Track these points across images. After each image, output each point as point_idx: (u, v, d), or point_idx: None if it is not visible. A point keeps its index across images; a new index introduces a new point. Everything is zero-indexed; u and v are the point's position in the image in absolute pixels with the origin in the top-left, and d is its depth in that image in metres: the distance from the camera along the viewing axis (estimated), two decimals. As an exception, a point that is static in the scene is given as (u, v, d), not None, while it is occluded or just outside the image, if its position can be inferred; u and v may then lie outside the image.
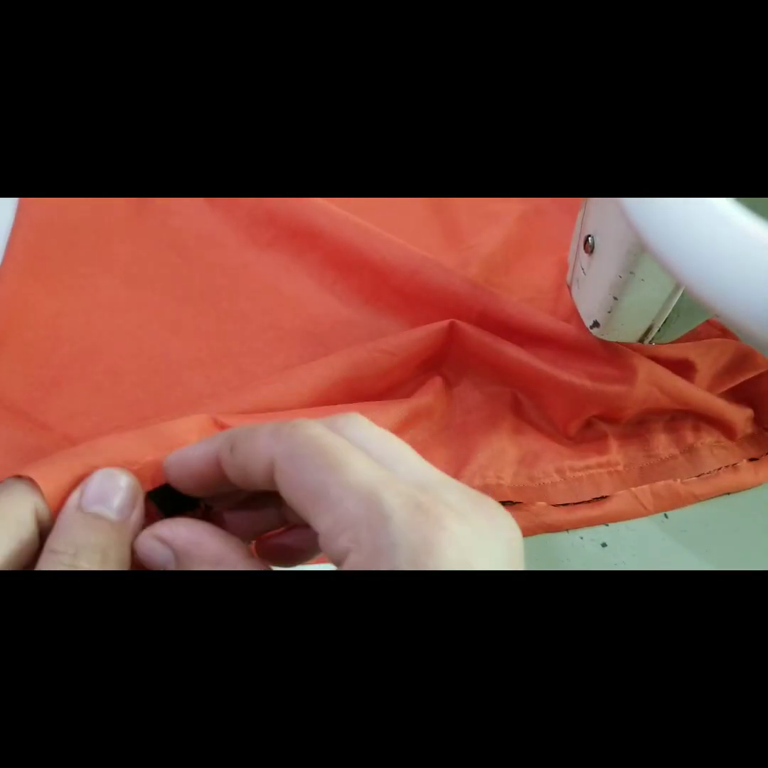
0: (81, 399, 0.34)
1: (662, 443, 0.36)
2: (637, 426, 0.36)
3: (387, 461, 0.19)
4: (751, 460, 0.36)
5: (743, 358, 0.36)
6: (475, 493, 0.19)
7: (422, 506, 0.17)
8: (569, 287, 0.37)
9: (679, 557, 0.33)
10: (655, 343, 0.34)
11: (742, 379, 0.36)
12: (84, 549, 0.19)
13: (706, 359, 0.35)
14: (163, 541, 0.20)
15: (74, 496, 0.20)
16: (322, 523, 0.17)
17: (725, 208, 0.17)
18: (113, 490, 0.20)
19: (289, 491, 0.18)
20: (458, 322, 0.35)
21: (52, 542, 0.19)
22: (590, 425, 0.36)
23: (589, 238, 0.31)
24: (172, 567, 0.19)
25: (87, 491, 0.20)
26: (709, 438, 0.36)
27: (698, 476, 0.35)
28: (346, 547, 0.17)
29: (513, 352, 0.35)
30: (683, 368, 0.35)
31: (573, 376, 0.34)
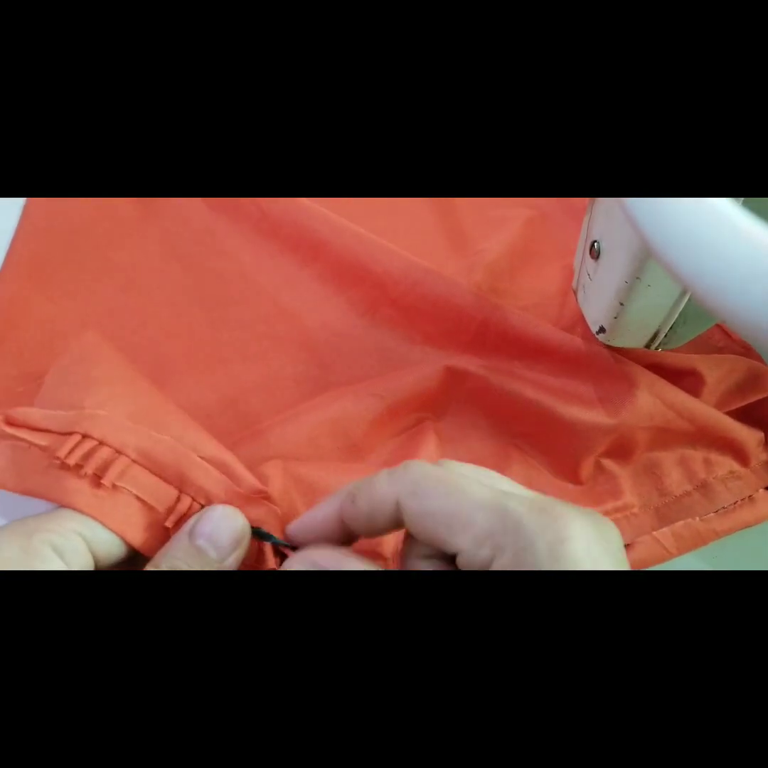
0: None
1: (675, 480, 0.34)
2: (647, 463, 0.34)
3: (494, 485, 0.21)
4: (767, 489, 0.34)
5: (756, 378, 0.35)
6: (575, 506, 0.21)
7: (545, 509, 0.19)
8: (575, 293, 0.36)
9: (687, 565, 0.33)
10: (662, 349, 0.34)
11: (753, 399, 0.35)
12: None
13: (716, 373, 0.34)
14: (314, 564, 0.22)
15: (190, 523, 0.23)
16: (460, 541, 0.20)
17: (728, 210, 0.17)
18: (224, 531, 0.23)
19: (418, 522, 0.21)
20: (453, 365, 0.34)
21: (157, 558, 0.22)
22: (600, 468, 0.34)
23: (595, 244, 0.31)
24: None
25: (200, 525, 0.23)
26: (721, 470, 0.34)
27: (716, 512, 0.33)
28: (489, 555, 0.19)
29: (515, 386, 0.33)
30: (691, 380, 0.34)
31: (579, 406, 0.33)
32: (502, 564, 0.19)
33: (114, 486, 0.24)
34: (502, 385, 0.34)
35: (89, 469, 0.24)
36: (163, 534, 0.24)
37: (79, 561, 0.22)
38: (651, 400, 0.33)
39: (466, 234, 0.43)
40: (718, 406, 0.35)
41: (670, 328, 0.31)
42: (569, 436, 0.33)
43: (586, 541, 0.19)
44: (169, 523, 0.24)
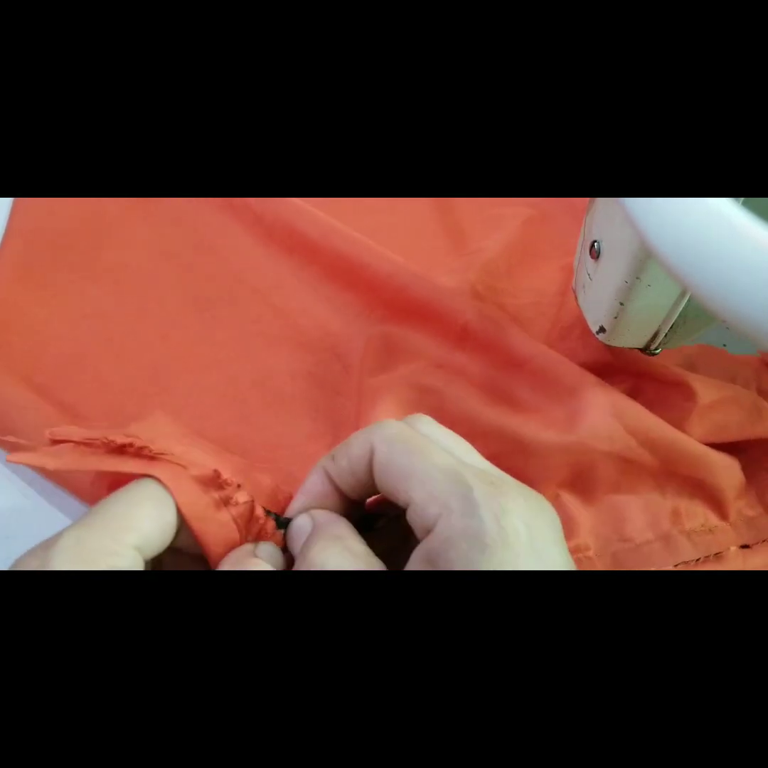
0: (68, 407, 0.34)
1: (637, 527, 0.31)
2: (610, 505, 0.32)
3: (455, 452, 0.23)
4: (743, 547, 0.31)
5: (759, 415, 0.32)
6: (524, 485, 0.23)
7: (494, 483, 0.21)
8: (575, 293, 0.36)
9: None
10: (662, 349, 0.34)
11: (750, 436, 0.32)
12: None
13: (713, 396, 0.32)
14: (310, 515, 0.24)
15: (248, 546, 0.24)
16: (415, 495, 0.21)
17: (728, 210, 0.17)
18: (278, 556, 0.24)
19: (382, 472, 0.23)
20: (417, 382, 0.34)
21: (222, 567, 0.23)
22: (559, 502, 0.32)
23: (595, 244, 0.31)
24: (307, 533, 0.24)
25: (264, 548, 0.24)
26: (691, 522, 0.31)
27: (674, 566, 0.30)
28: (437, 513, 0.21)
29: (472, 403, 0.33)
30: (680, 395, 0.33)
31: (537, 424, 0.32)
32: (447, 523, 0.21)
33: (159, 456, 0.23)
34: (457, 404, 0.33)
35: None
36: (204, 496, 0.23)
37: None
38: (610, 421, 0.31)
39: (465, 232, 0.43)
40: (708, 434, 0.33)
41: (670, 328, 0.31)
42: (525, 457, 0.31)
43: (527, 516, 0.21)
44: (207, 481, 0.23)
